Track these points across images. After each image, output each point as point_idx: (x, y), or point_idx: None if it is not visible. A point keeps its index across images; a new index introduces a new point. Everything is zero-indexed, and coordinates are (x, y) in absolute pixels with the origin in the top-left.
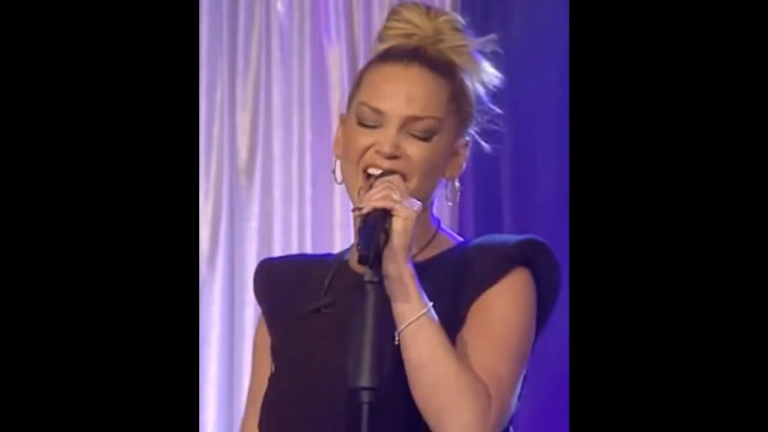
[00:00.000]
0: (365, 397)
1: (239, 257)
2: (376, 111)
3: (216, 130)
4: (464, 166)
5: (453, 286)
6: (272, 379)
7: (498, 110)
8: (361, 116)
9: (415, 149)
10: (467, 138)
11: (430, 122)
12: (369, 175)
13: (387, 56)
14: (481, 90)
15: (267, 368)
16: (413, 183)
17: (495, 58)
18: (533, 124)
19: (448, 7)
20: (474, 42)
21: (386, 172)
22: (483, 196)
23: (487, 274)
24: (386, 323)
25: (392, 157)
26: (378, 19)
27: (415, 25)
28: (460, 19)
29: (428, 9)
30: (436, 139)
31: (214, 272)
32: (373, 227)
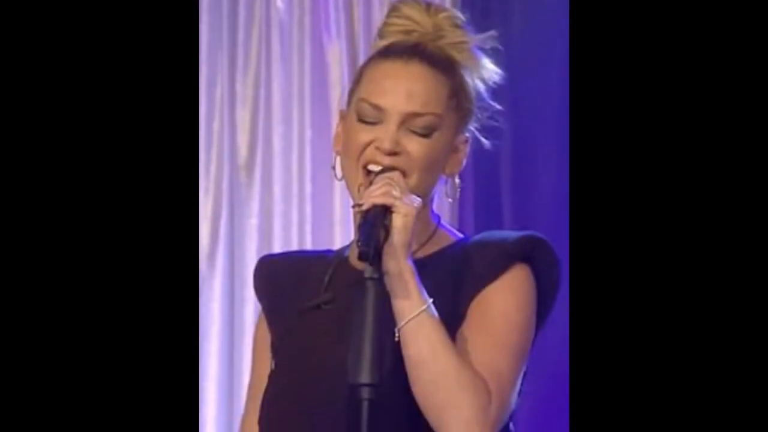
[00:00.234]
0: (365, 393)
1: (239, 254)
2: (376, 107)
3: (216, 126)
4: (464, 162)
5: (453, 283)
6: (272, 376)
7: (498, 107)
8: (361, 113)
9: (415, 146)
10: (467, 134)
11: (430, 119)
12: (369, 172)
13: (387, 53)
14: (481, 86)
15: (267, 365)
16: (413, 179)
17: (495, 55)
18: (533, 120)
19: (448, 4)
20: (474, 38)
21: (386, 169)
22: (483, 192)
23: (487, 271)
24: (386, 320)
25: (392, 153)
26: (378, 16)
27: (415, 21)
28: (460, 16)
29: (428, 5)
30: (436, 135)
31: (214, 269)
32: (373, 224)
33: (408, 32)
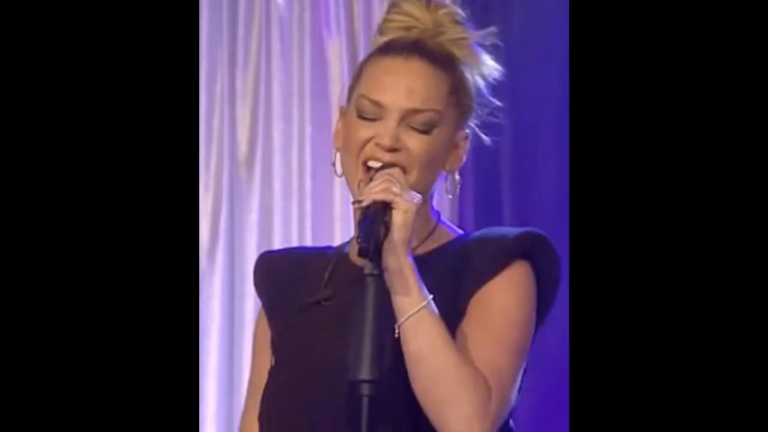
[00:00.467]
0: (365, 389)
1: (239, 250)
2: (376, 104)
3: (216, 122)
4: (464, 158)
5: (453, 279)
6: (272, 372)
7: (498, 103)
8: (361, 109)
9: (415, 142)
10: (467, 131)
11: (430, 115)
12: (369, 168)
13: (387, 49)
14: (481, 83)
15: (267, 361)
16: (413, 176)
17: (495, 51)
18: (533, 117)
19: (448, 0)
20: (474, 35)
21: (386, 165)
22: (483, 188)
23: (487, 267)
24: (386, 316)
25: (392, 149)
26: (378, 12)
27: (415, 17)
28: (460, 12)
29: (428, 2)
30: (436, 131)
31: (214, 265)
32: (373, 220)
33: (408, 29)
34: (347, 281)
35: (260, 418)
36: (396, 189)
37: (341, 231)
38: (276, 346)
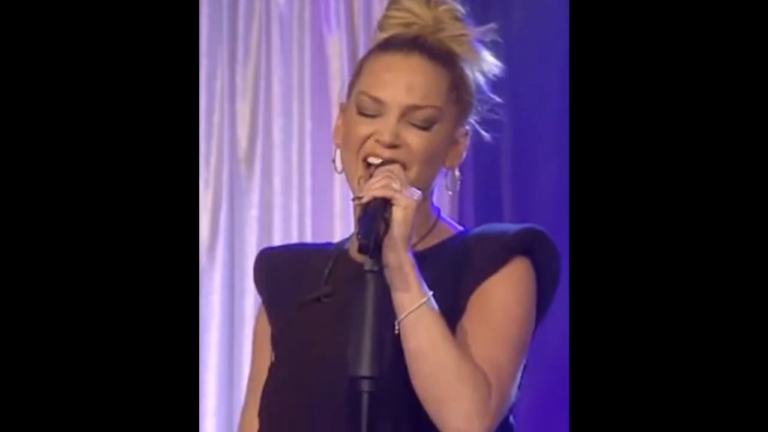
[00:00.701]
0: (365, 386)
1: (239, 246)
2: (376, 100)
3: (216, 119)
4: (464, 155)
5: (453, 276)
6: (272, 369)
7: (498, 99)
8: (361, 105)
9: (415, 138)
10: (467, 127)
11: (430, 111)
12: (369, 165)
13: (387, 45)
14: (481, 79)
15: (267, 357)
16: (413, 172)
17: (495, 48)
18: (533, 113)
19: None
20: (474, 31)
21: (386, 162)
22: (483, 185)
23: (487, 263)
24: (386, 312)
25: (392, 146)
26: (378, 8)
27: (415, 14)
28: (460, 9)
29: None
30: (436, 128)
31: (214, 261)
32: (373, 216)
33: (408, 25)
34: (347, 278)
35: (260, 415)
36: (396, 185)
37: (341, 227)
38: (276, 343)
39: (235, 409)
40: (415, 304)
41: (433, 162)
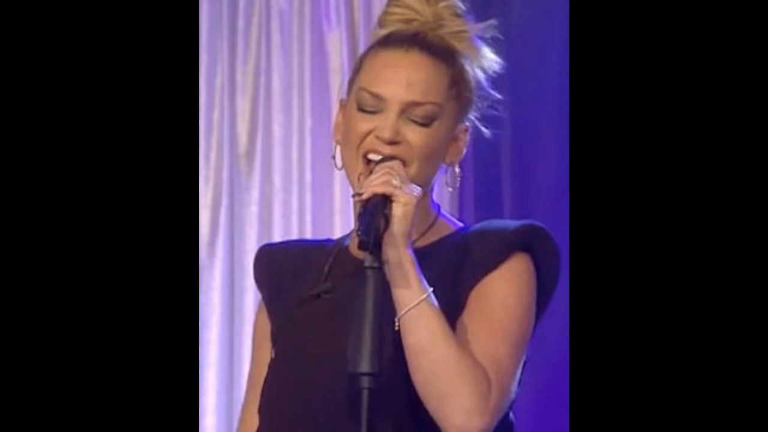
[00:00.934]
0: (365, 382)
1: (239, 242)
2: (376, 96)
3: (216, 115)
4: (464, 151)
5: (453, 272)
6: (272, 365)
7: (498, 96)
8: (361, 102)
9: (415, 135)
10: (467, 124)
11: (430, 108)
12: (369, 161)
13: (387, 42)
14: (481, 76)
15: (267, 354)
16: (413, 168)
17: (495, 44)
18: (533, 110)
19: None
20: (474, 27)
21: (386, 158)
22: (483, 181)
23: (487, 260)
24: (386, 309)
25: (392, 142)
26: (378, 5)
27: (416, 10)
28: (460, 5)
29: None
30: (436, 124)
31: (214, 257)
32: (373, 213)
33: (408, 21)
34: (347, 274)
35: (260, 411)
36: (396, 182)
37: (341, 224)
38: (276, 339)
39: (235, 405)
40: (415, 301)
41: (433, 158)
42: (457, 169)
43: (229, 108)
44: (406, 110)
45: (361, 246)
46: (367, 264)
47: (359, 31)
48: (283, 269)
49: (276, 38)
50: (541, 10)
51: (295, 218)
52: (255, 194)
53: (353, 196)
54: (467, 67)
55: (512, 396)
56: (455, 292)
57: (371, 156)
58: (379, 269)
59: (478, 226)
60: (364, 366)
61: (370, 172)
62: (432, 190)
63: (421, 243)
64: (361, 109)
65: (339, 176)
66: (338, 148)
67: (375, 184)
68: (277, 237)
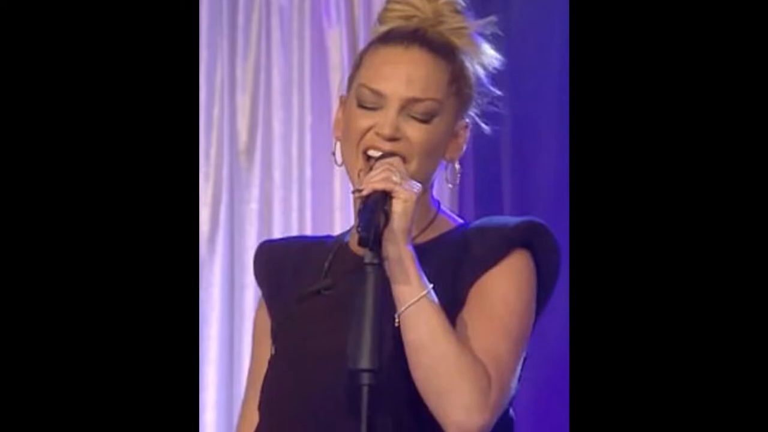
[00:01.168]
0: (365, 379)
1: (239, 239)
2: (376, 93)
3: (216, 111)
4: (464, 148)
5: (453, 268)
6: (272, 361)
7: (498, 92)
8: (361, 98)
9: (415, 131)
10: (467, 120)
11: (430, 104)
12: (369, 157)
13: (387, 38)
14: (481, 72)
15: (267, 350)
16: (413, 165)
17: (495, 41)
18: (533, 106)
19: None
20: (474, 24)
21: (386, 154)
22: (483, 178)
23: (487, 256)
24: (386, 305)
25: (392, 139)
26: (378, 1)
27: (415, 7)
28: (460, 2)
29: None
30: (436, 121)
31: (214, 254)
32: (373, 209)
33: (408, 18)
34: (347, 270)
35: (260, 407)
36: (396, 178)
37: (341, 220)
38: (276, 336)
39: (235, 402)
40: (415, 297)
41: (433, 155)
42: (457, 166)
43: (229, 105)
44: (406, 107)
45: (361, 242)
46: (367, 260)
47: (359, 28)
48: (283, 266)
49: (276, 35)
50: (541, 7)
51: (295, 215)
52: (255, 191)
53: (353, 192)
54: (467, 64)
55: (512, 392)
56: (455, 288)
57: (371, 152)
58: (379, 266)
59: (478, 222)
60: (364, 363)
61: (370, 169)
62: (432, 186)
63: (421, 239)
64: (361, 106)
65: (339, 173)
66: (338, 144)
67: (375, 181)
68: (277, 234)
